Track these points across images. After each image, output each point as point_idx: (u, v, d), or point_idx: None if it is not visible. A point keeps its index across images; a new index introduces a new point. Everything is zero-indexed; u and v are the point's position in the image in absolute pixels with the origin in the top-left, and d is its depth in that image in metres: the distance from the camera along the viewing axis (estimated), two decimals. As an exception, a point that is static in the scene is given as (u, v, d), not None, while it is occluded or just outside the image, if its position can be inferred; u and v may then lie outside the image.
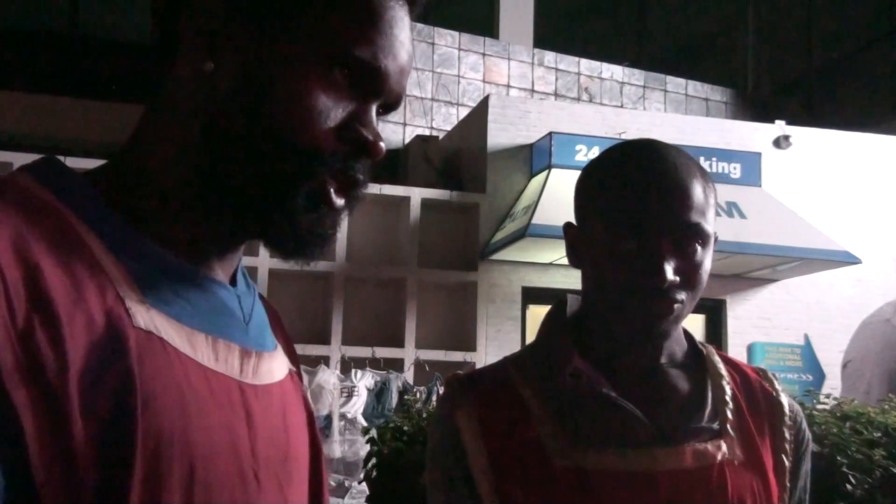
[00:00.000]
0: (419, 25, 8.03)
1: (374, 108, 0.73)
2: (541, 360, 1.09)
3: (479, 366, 6.23)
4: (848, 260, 6.25)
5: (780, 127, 7.04)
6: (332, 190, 0.70)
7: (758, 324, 6.78)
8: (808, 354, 6.73)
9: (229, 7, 0.70)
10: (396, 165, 7.46)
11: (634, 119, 7.07)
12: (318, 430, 0.86)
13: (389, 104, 0.75)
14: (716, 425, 1.04)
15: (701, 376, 1.09)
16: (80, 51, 8.45)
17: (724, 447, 1.03)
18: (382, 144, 0.71)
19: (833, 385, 5.66)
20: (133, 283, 0.64)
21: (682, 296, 1.01)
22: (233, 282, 0.77)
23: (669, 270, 0.98)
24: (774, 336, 6.75)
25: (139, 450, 0.58)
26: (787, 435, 1.09)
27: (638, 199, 1.00)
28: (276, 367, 0.78)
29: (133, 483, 0.58)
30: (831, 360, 6.27)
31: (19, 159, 5.25)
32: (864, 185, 7.04)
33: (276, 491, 0.71)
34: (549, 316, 1.14)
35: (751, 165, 6.56)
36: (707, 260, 1.04)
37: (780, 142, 6.96)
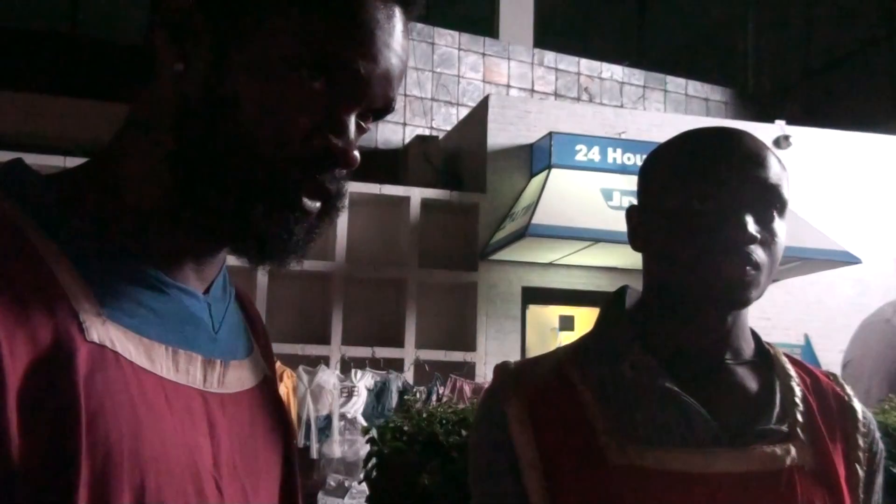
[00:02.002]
0: (419, 25, 8.03)
1: (352, 116, 0.69)
2: (599, 350, 1.02)
3: (478, 366, 6.25)
4: (848, 260, 6.25)
5: (780, 127, 7.04)
6: (302, 197, 0.68)
7: (758, 324, 6.62)
8: (808, 354, 6.72)
9: (197, 6, 0.67)
10: (396, 165, 7.47)
11: (634, 119, 7.07)
12: (293, 436, 0.84)
13: (378, 109, 0.71)
14: (784, 427, 0.96)
15: (769, 376, 1.02)
16: (80, 51, 8.45)
17: (793, 451, 0.95)
18: (356, 154, 0.68)
19: (833, 385, 5.65)
20: (91, 296, 0.62)
21: (761, 257, 0.95)
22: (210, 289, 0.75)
23: (752, 225, 0.93)
24: (774, 336, 6.74)
25: (84, 466, 0.57)
26: (860, 443, 1.01)
27: (717, 159, 0.96)
28: (246, 374, 0.77)
29: (79, 500, 0.57)
30: (831, 360, 6.26)
31: (19, 159, 5.24)
32: (864, 185, 7.04)
33: (240, 500, 0.70)
34: (607, 306, 1.07)
35: (751, 165, 6.56)
36: (782, 233, 0.99)
37: (780, 142, 6.96)
